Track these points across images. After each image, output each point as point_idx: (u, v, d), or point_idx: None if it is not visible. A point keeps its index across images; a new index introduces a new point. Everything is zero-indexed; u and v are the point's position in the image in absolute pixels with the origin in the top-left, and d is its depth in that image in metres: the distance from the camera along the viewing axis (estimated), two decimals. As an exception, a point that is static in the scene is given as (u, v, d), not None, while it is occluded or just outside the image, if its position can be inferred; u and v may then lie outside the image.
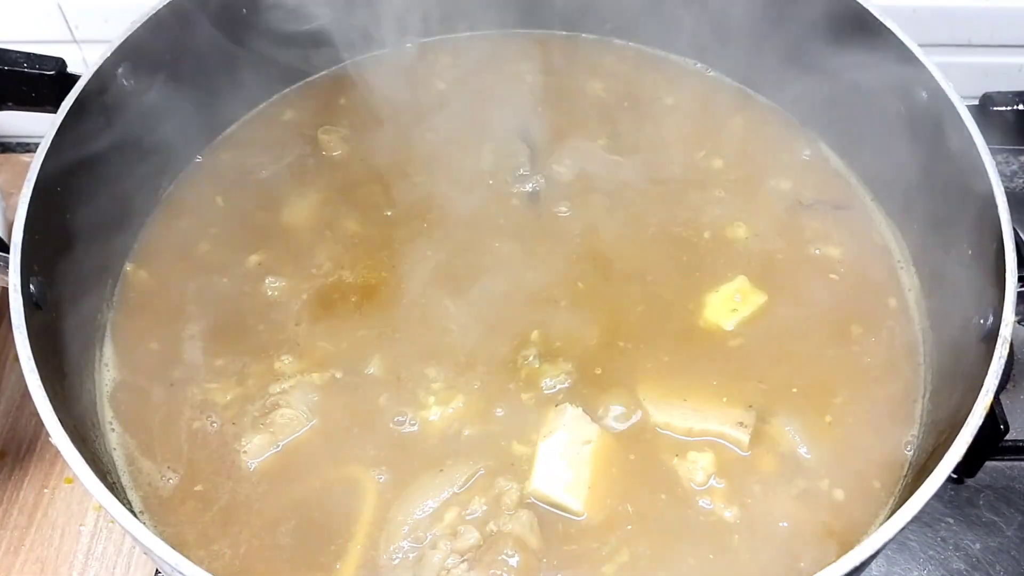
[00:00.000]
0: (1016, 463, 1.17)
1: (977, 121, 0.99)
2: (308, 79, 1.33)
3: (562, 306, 1.07)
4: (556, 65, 1.34)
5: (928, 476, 0.80)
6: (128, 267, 1.14)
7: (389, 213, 1.17)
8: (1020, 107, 1.23)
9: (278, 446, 0.98)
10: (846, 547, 0.78)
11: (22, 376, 0.84)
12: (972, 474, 1.15)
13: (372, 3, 1.30)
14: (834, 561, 0.76)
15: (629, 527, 0.93)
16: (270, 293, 1.10)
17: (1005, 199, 0.94)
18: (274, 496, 0.96)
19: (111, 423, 1.02)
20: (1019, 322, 0.90)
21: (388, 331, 1.06)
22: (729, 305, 1.08)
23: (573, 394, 1.00)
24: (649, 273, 1.11)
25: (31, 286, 0.91)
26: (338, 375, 1.03)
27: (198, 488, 0.97)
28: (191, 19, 1.15)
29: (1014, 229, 0.92)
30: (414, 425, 0.99)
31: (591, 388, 1.01)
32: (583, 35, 1.38)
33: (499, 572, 0.88)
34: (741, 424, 0.98)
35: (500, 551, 0.89)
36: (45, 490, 1.17)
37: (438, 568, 0.89)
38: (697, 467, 0.95)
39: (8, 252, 0.91)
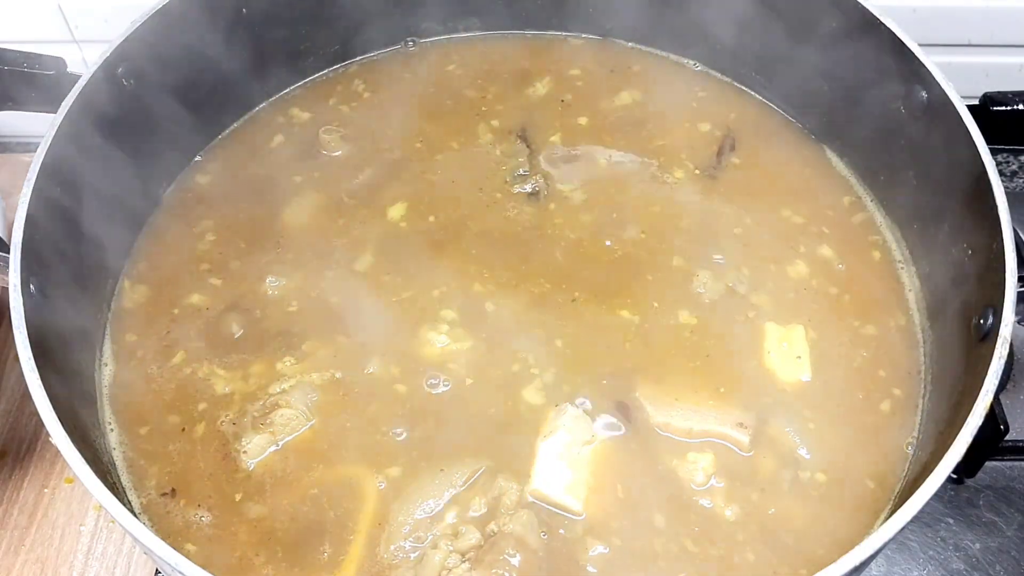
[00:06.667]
0: (1016, 463, 1.17)
1: (977, 121, 0.99)
2: (308, 79, 1.33)
3: (562, 310, 1.07)
4: (556, 65, 1.34)
5: (928, 476, 0.80)
6: (128, 267, 1.14)
7: (390, 213, 1.17)
8: (1020, 107, 1.23)
9: (278, 446, 0.98)
10: (846, 547, 0.78)
11: (22, 376, 0.84)
12: (972, 474, 1.15)
13: (372, 3, 1.30)
14: (834, 561, 0.76)
15: (629, 527, 0.93)
16: (270, 293, 1.10)
17: (1005, 199, 0.93)
18: (274, 496, 0.96)
19: (111, 423, 1.02)
20: (1019, 322, 0.90)
21: (389, 331, 1.06)
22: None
23: (573, 394, 1.00)
24: (647, 273, 1.11)
25: (31, 286, 0.91)
26: (338, 375, 1.03)
27: (198, 488, 0.96)
28: (191, 19, 1.15)
29: (1014, 229, 0.92)
30: (415, 425, 0.99)
31: (591, 388, 1.01)
32: (583, 36, 1.38)
33: (500, 572, 0.88)
34: (741, 425, 0.98)
35: (501, 551, 0.89)
36: (45, 490, 1.17)
37: (439, 568, 0.89)
38: (697, 468, 0.96)
39: (8, 252, 0.91)
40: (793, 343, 1.04)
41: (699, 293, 1.08)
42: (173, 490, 0.96)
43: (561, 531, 0.93)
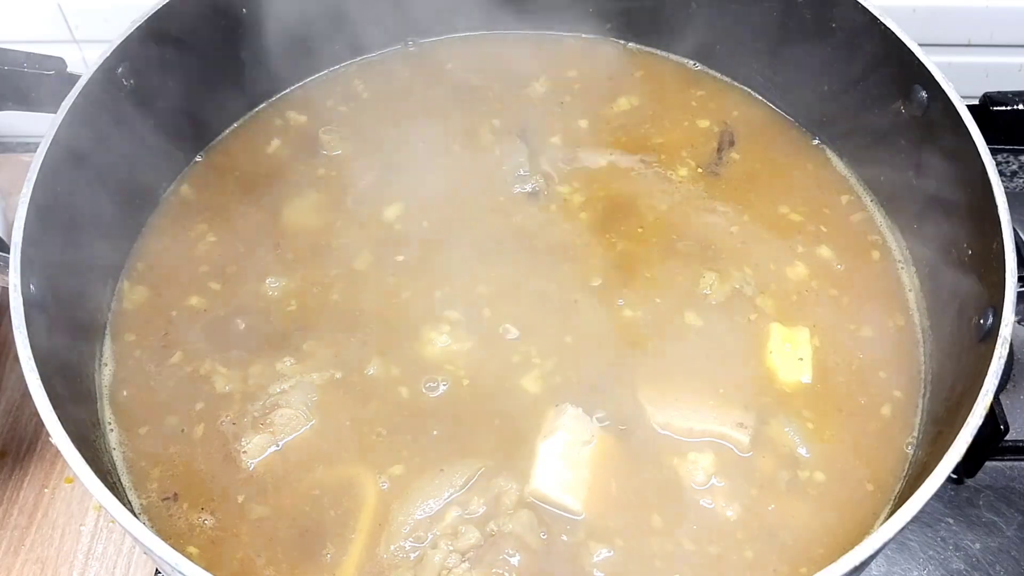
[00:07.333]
0: (1016, 463, 1.17)
1: (977, 121, 0.99)
2: (308, 79, 1.33)
3: (564, 310, 1.07)
4: (556, 66, 1.34)
5: (928, 476, 0.80)
6: (128, 267, 1.14)
7: (390, 213, 1.17)
8: (1020, 107, 1.23)
9: (278, 446, 0.98)
10: (846, 547, 0.78)
11: (22, 376, 0.84)
12: (972, 474, 1.15)
13: (373, 4, 1.30)
14: (834, 561, 0.76)
15: (629, 527, 0.93)
16: (270, 293, 1.10)
17: (1005, 199, 0.94)
18: (274, 496, 0.96)
19: (111, 423, 1.02)
20: (1019, 322, 0.90)
21: (390, 331, 1.06)
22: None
23: (574, 394, 1.00)
24: (649, 272, 1.10)
25: (31, 286, 0.91)
26: (338, 375, 1.03)
27: (198, 488, 0.96)
28: (190, 19, 1.15)
29: (1014, 229, 0.92)
30: (415, 425, 0.99)
31: (592, 388, 1.01)
32: (583, 36, 1.38)
33: (500, 571, 0.88)
34: (741, 425, 0.98)
35: (501, 551, 0.89)
36: (45, 490, 1.17)
37: (439, 568, 0.89)
38: (698, 467, 0.96)
39: (8, 252, 0.91)
40: (796, 344, 1.04)
41: (705, 295, 1.08)
42: (175, 494, 0.96)
43: (561, 533, 0.92)
